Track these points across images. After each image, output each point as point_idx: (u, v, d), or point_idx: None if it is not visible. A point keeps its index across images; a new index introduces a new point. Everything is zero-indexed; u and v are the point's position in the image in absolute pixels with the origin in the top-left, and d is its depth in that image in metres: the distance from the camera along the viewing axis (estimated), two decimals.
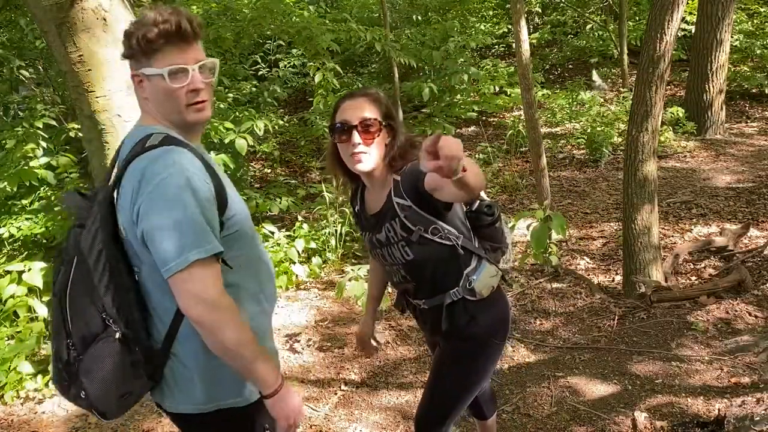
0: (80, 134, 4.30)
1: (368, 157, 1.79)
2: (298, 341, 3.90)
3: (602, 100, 8.81)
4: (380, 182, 1.87)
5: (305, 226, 5.09)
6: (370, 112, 1.78)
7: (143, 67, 1.48)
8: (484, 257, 1.93)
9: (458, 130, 8.47)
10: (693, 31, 8.22)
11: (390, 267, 1.97)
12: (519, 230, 4.92)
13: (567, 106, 8.53)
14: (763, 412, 2.77)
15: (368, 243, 1.98)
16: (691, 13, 8.70)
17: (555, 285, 4.48)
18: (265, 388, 1.48)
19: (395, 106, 7.39)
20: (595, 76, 9.92)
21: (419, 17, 9.73)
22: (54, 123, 5.06)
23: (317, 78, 5.93)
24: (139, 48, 1.46)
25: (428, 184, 1.68)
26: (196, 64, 1.48)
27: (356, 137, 1.77)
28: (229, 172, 4.63)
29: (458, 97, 8.67)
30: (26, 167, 4.46)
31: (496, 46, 11.37)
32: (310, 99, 8.21)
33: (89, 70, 3.03)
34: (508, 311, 2.06)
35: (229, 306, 1.41)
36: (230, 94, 6.53)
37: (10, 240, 4.58)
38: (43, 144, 4.67)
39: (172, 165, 1.40)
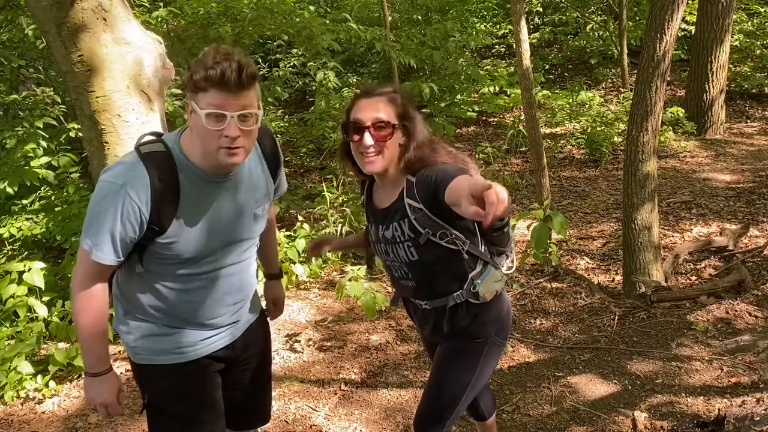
0: (80, 134, 4.30)
1: (379, 158, 1.78)
2: (298, 341, 3.90)
3: (602, 99, 8.81)
4: (392, 181, 1.86)
5: (306, 225, 5.09)
6: (385, 113, 1.76)
7: (192, 100, 1.58)
8: (489, 262, 1.92)
9: (458, 130, 8.47)
10: (693, 31, 8.22)
11: (392, 263, 1.96)
12: (519, 230, 4.92)
13: (567, 106, 8.53)
14: (763, 412, 2.76)
15: (373, 235, 1.97)
16: (691, 13, 8.69)
17: (555, 285, 4.48)
18: (84, 365, 1.76)
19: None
20: None
21: (419, 17, 9.72)
22: (54, 123, 5.06)
23: (318, 77, 5.94)
24: (192, 85, 1.56)
25: (451, 198, 1.63)
26: (236, 112, 1.53)
27: (368, 138, 1.75)
28: None
29: (458, 97, 8.66)
30: (27, 167, 4.46)
31: (497, 46, 11.36)
32: (310, 99, 8.21)
33: (89, 70, 3.02)
34: (509, 310, 2.06)
35: (81, 292, 1.68)
36: None
37: (10, 240, 4.58)
38: (44, 144, 4.67)
39: (117, 174, 1.61)
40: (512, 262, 2.05)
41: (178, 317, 1.79)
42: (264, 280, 2.28)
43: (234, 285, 1.85)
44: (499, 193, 1.27)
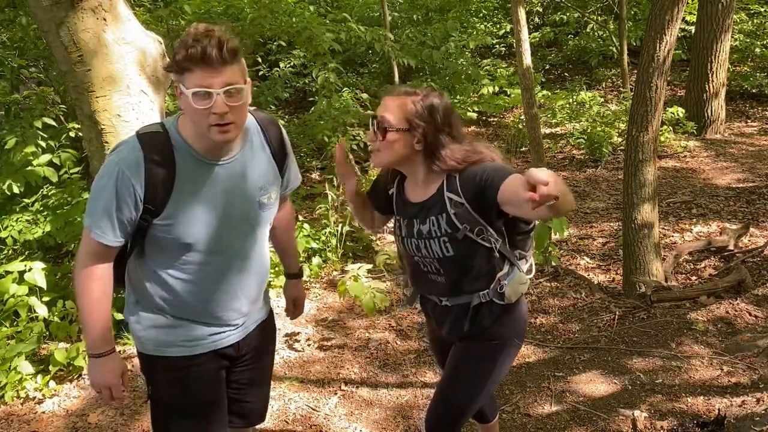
0: (80, 134, 4.30)
1: (376, 154, 1.84)
2: (298, 340, 3.90)
3: (602, 99, 8.82)
4: (423, 179, 1.88)
5: (306, 225, 5.09)
6: (390, 113, 1.79)
7: (179, 82, 1.58)
8: (515, 264, 1.93)
9: None
10: (693, 31, 8.23)
11: (421, 259, 1.95)
12: None
13: (567, 106, 8.53)
14: (763, 412, 2.77)
15: (404, 230, 1.95)
16: (691, 13, 8.70)
17: (555, 285, 4.48)
18: (87, 347, 1.75)
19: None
20: None
21: (419, 17, 9.72)
22: (54, 123, 5.05)
23: (319, 80, 5.94)
24: (175, 66, 1.56)
25: (505, 198, 1.67)
26: (221, 89, 1.53)
27: (371, 133, 1.83)
28: None
29: (458, 97, 8.67)
30: (28, 167, 4.45)
31: (497, 46, 11.37)
32: (311, 99, 8.20)
33: (89, 70, 3.03)
34: (527, 313, 2.07)
35: (83, 271, 1.69)
36: None
37: (11, 240, 4.57)
38: (43, 144, 4.66)
39: (115, 153, 1.66)
40: (531, 266, 2.05)
41: (186, 310, 1.78)
42: (283, 280, 2.30)
43: (243, 279, 1.82)
44: (552, 179, 1.33)
